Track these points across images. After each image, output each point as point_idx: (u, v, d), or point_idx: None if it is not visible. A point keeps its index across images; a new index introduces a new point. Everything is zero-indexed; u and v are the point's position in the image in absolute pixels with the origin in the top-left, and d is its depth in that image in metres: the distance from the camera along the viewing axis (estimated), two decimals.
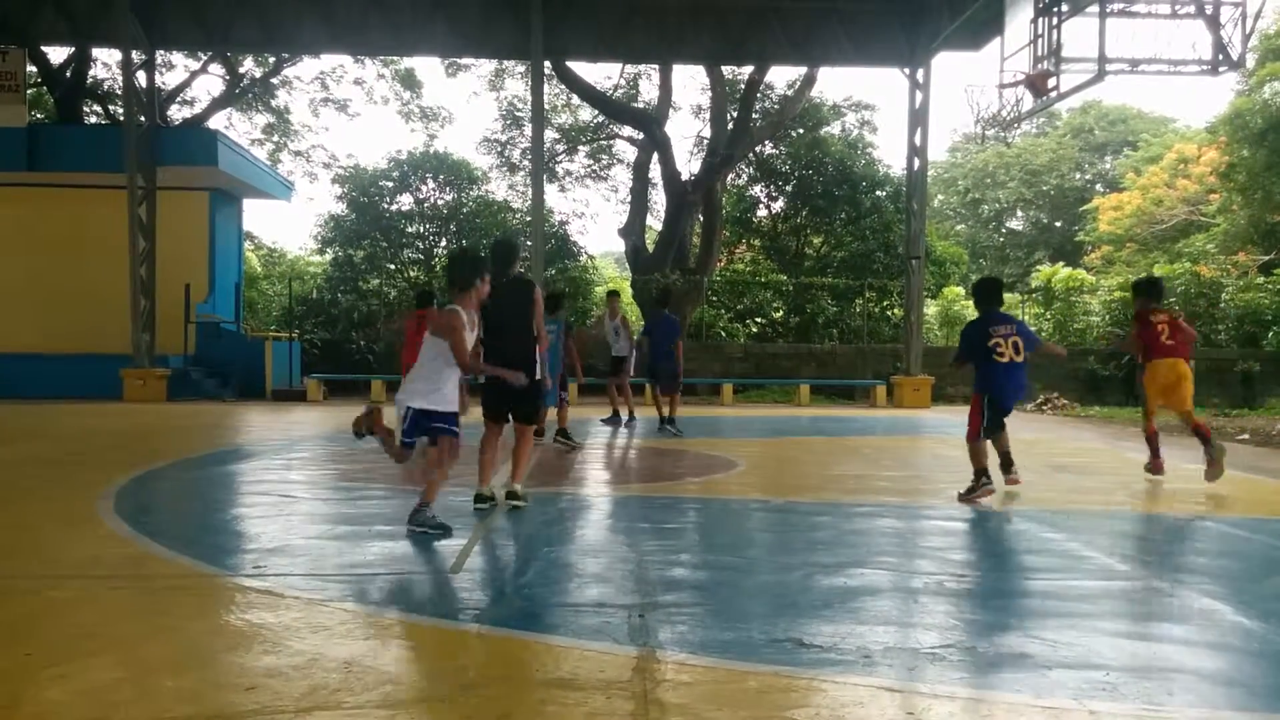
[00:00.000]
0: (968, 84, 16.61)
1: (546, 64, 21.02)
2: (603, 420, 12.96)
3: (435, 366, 5.17)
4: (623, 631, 3.39)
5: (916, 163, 20.29)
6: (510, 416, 6.26)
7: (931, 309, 25.49)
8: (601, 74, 36.15)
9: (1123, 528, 5.79)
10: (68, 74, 24.18)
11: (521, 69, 26.79)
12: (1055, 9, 13.83)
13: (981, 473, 6.67)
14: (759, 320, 26.06)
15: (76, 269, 19.55)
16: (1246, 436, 12.75)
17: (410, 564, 4.47)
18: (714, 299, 25.78)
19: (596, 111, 28.08)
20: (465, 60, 26.32)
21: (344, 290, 25.96)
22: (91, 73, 25.80)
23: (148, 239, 18.70)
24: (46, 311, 19.36)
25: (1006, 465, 6.87)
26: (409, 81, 29.27)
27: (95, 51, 24.42)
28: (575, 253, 27.95)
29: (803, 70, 24.91)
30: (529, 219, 23.20)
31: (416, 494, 5.35)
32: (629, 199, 28.28)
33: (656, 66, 26.08)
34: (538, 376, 6.23)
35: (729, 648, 3.24)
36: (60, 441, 10.51)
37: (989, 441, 6.83)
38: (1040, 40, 14.15)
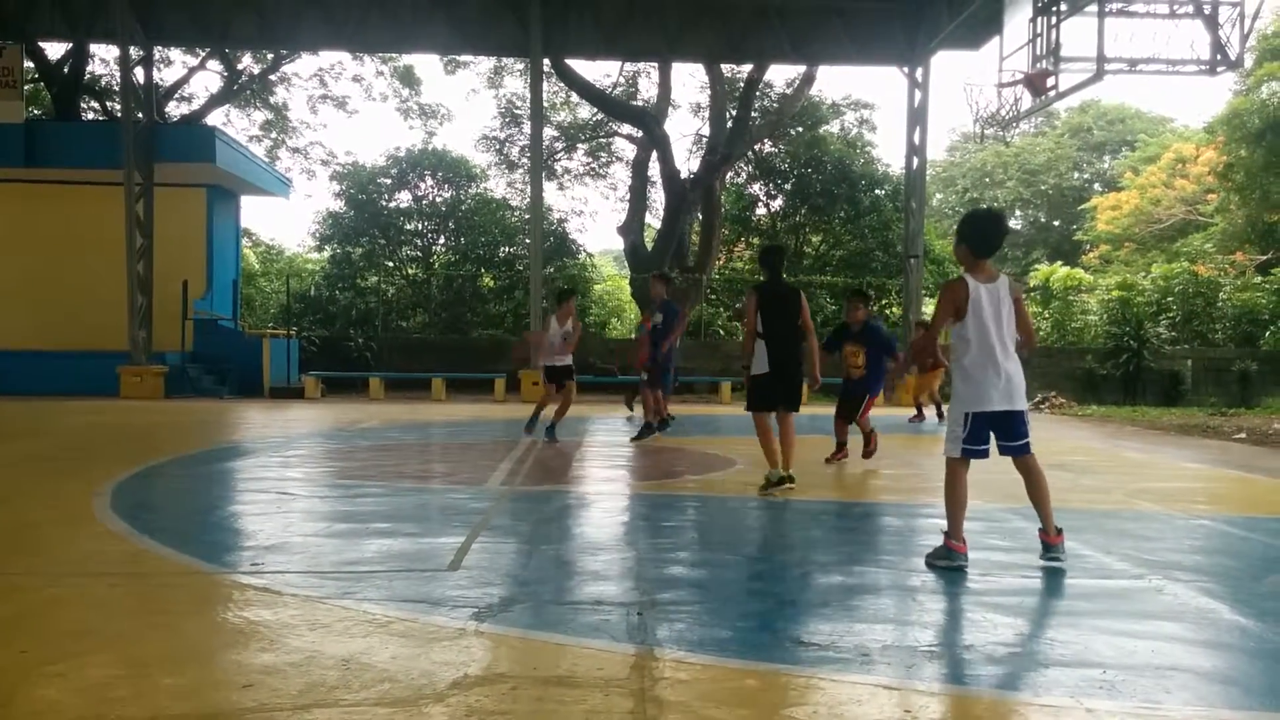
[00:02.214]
0: (966, 83, 16.63)
1: (545, 62, 21.01)
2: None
3: None
4: (621, 629, 3.39)
5: (915, 161, 20.30)
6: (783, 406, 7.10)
7: (930, 307, 25.51)
8: (600, 72, 36.14)
9: (1119, 526, 5.79)
10: (65, 70, 24.15)
11: (520, 66, 26.79)
12: (1054, 8, 13.84)
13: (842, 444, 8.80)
14: None
15: (74, 266, 19.53)
16: (1243, 435, 12.76)
17: (408, 561, 4.47)
18: (713, 297, 25.79)
19: (595, 109, 28.07)
20: (464, 58, 26.32)
21: (342, 288, 25.95)
22: (89, 69, 25.78)
23: (145, 235, 18.69)
24: (43, 308, 19.34)
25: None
26: (408, 78, 29.24)
27: (93, 48, 24.39)
28: (574, 250, 27.97)
29: (802, 69, 24.91)
30: (528, 217, 23.20)
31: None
32: (628, 197, 28.28)
33: (656, 65, 26.07)
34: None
35: (727, 645, 3.24)
36: (57, 438, 10.49)
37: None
38: (1039, 39, 14.17)
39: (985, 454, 4.46)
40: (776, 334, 6.94)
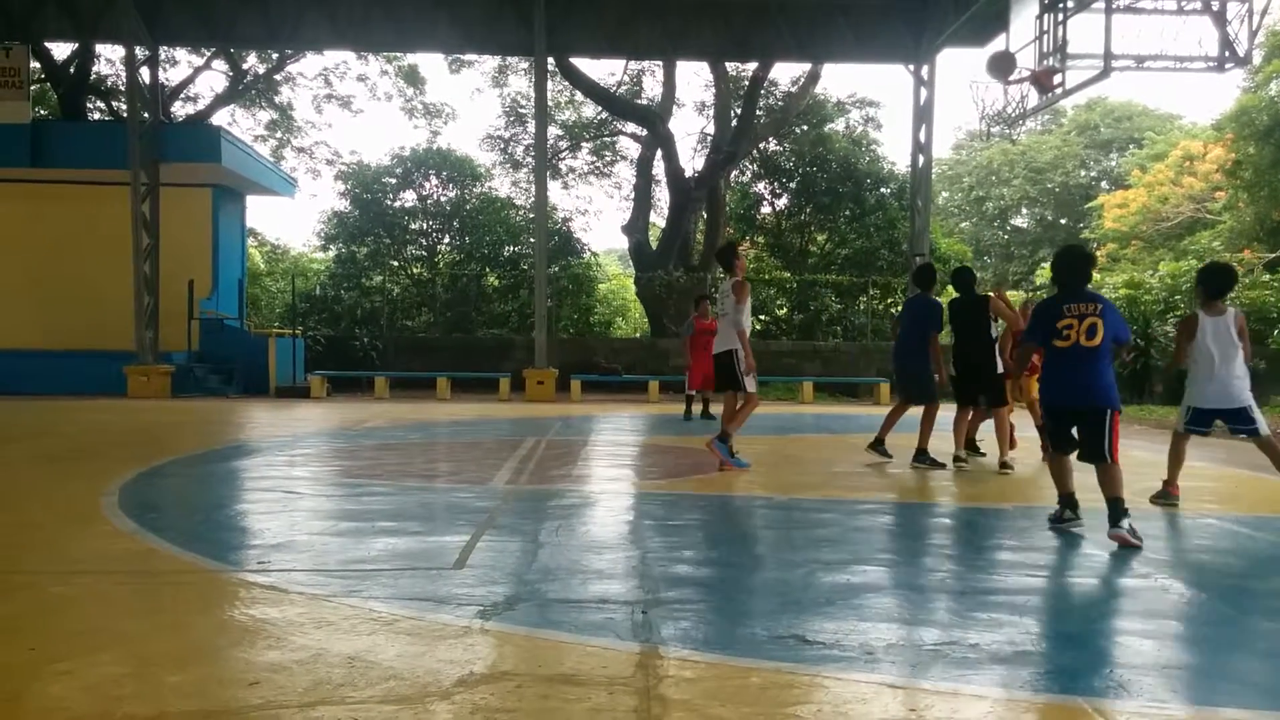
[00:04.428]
0: (972, 80, 16.58)
1: (550, 60, 21.02)
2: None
3: None
4: (626, 627, 3.39)
5: (921, 160, 20.25)
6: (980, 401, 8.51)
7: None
8: (605, 70, 36.11)
9: None
10: (71, 70, 24.21)
11: (525, 65, 26.78)
12: (1060, 5, 13.79)
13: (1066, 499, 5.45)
14: (763, 318, 26.06)
15: (80, 266, 19.58)
16: None
17: (413, 560, 4.48)
18: (717, 295, 25.74)
19: (600, 108, 28.07)
20: (468, 57, 26.35)
21: (347, 287, 25.99)
22: (95, 69, 25.84)
23: (151, 235, 18.73)
24: (50, 308, 19.40)
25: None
26: (412, 78, 29.27)
27: (99, 48, 24.46)
28: (578, 249, 27.98)
29: (807, 67, 24.87)
30: (532, 216, 23.21)
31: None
32: (632, 196, 28.28)
33: (660, 63, 26.06)
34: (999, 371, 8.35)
35: (732, 644, 3.24)
36: (64, 438, 10.53)
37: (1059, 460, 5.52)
38: (1045, 36, 14.11)
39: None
40: (960, 341, 8.43)
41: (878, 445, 8.66)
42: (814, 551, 4.85)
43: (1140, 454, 10.13)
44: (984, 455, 9.00)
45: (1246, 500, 7.31)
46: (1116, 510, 5.00)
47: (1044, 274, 27.38)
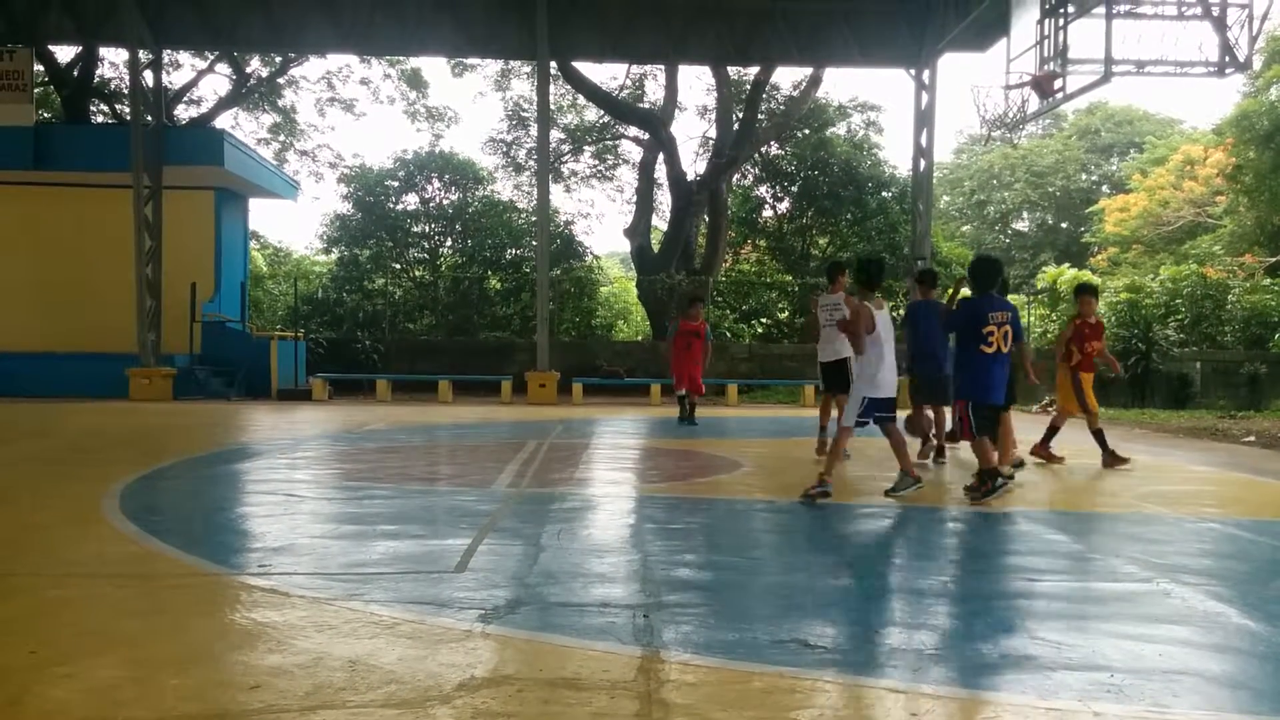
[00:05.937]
0: (973, 85, 16.65)
1: (552, 64, 21.04)
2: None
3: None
4: (627, 631, 3.39)
5: (922, 164, 20.25)
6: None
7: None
8: (607, 74, 36.14)
9: (1127, 529, 5.78)
10: (74, 73, 24.25)
11: (527, 69, 26.81)
12: (1061, 10, 13.79)
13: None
14: (764, 321, 26.03)
15: (82, 268, 19.59)
16: (1252, 439, 12.70)
17: (414, 563, 4.48)
18: (719, 299, 25.77)
19: (602, 112, 28.08)
20: (471, 60, 26.33)
21: (349, 290, 25.98)
22: (98, 72, 25.87)
23: (154, 238, 18.74)
24: (52, 310, 19.40)
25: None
26: (415, 81, 29.28)
27: (102, 51, 24.49)
28: (581, 253, 27.96)
29: (808, 71, 24.88)
30: (534, 219, 23.23)
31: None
32: (634, 199, 28.28)
33: (662, 67, 26.08)
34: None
35: (733, 648, 3.24)
36: (66, 440, 10.53)
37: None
38: (1046, 41, 14.11)
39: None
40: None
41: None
42: (816, 555, 4.85)
43: (1143, 458, 10.13)
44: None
45: (1247, 504, 7.30)
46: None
47: (1046, 278, 27.37)
